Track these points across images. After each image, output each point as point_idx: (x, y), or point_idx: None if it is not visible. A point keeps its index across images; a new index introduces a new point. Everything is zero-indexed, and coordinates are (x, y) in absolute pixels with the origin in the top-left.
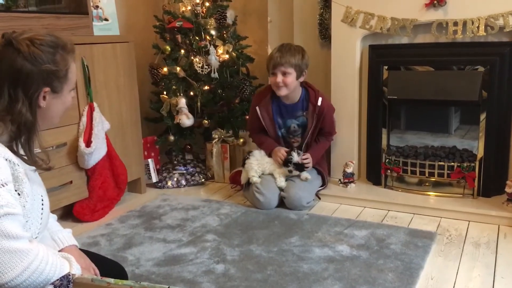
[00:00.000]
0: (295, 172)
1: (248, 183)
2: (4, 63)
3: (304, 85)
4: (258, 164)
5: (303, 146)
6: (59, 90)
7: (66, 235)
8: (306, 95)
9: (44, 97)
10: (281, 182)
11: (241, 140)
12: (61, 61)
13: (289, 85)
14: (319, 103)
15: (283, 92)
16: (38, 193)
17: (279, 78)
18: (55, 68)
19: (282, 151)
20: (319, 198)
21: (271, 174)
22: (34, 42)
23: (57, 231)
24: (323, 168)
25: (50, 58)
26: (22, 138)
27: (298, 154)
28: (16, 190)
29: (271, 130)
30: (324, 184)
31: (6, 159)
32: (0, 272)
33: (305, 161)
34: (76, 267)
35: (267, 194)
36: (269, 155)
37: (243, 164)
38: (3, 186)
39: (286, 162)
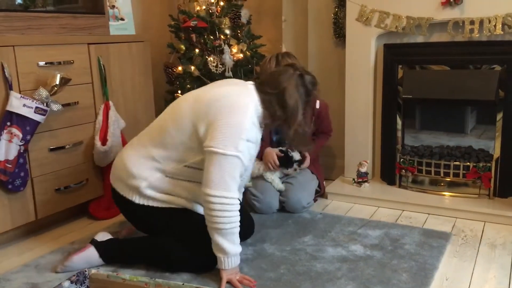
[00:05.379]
0: (290, 170)
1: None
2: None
3: None
4: None
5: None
6: None
7: None
8: None
9: None
10: (279, 184)
11: None
12: None
13: None
14: (317, 106)
15: None
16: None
17: None
18: None
19: (274, 156)
20: (315, 201)
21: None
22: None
23: None
24: (318, 173)
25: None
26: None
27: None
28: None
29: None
30: (319, 189)
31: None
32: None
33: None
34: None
35: (264, 198)
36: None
37: None
38: (246, 140)
39: (286, 162)
